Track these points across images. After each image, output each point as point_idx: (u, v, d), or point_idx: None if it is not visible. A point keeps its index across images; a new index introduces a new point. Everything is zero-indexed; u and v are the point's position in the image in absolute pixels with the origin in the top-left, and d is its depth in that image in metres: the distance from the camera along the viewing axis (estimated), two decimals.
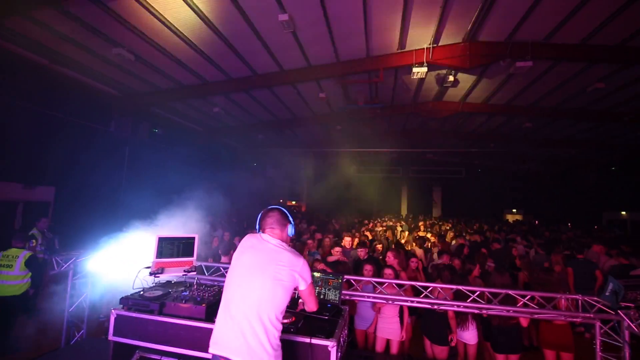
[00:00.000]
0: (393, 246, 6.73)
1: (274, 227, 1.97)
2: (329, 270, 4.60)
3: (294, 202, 21.73)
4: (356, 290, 3.41)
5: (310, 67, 8.23)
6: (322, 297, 2.49)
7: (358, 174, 20.71)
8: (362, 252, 5.15)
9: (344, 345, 2.19)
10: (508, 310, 3.04)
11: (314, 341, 1.92)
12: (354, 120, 11.77)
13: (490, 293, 3.21)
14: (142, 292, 2.41)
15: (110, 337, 2.30)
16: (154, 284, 2.65)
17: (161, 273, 2.68)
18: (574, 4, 5.60)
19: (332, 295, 2.47)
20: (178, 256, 2.84)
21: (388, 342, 3.89)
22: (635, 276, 3.07)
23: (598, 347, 3.02)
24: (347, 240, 5.33)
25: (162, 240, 2.80)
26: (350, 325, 4.24)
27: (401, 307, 3.87)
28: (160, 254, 2.77)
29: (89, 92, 8.65)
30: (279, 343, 1.74)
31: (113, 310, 2.34)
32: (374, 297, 3.26)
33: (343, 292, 3.31)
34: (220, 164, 13.19)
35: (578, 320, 3.04)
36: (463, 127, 13.81)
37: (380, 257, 5.79)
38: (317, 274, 2.61)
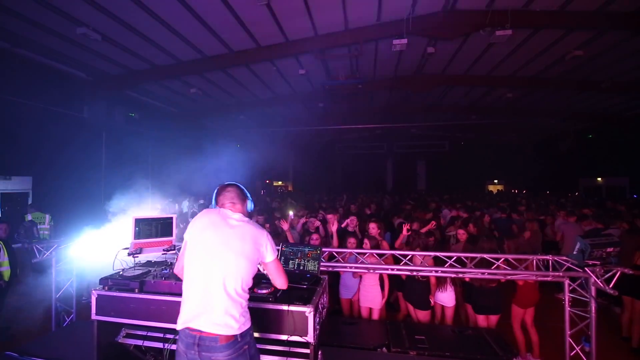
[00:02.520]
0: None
1: (234, 201, 1.95)
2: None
3: (280, 183, 21.73)
4: (338, 261, 3.51)
5: (287, 42, 7.96)
6: (301, 268, 2.56)
7: (343, 152, 20.75)
8: (352, 222, 5.22)
9: (322, 311, 2.28)
10: (483, 273, 3.19)
11: (292, 308, 1.99)
12: (337, 96, 11.61)
13: (467, 257, 3.35)
14: (121, 272, 2.43)
15: (93, 317, 2.35)
16: (134, 265, 2.66)
17: (139, 253, 2.69)
18: None
19: (311, 266, 2.54)
20: (157, 236, 2.84)
21: (370, 310, 4.05)
22: (605, 235, 3.23)
23: (567, 303, 3.20)
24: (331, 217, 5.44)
25: (138, 222, 2.78)
26: (337, 294, 4.42)
27: (381, 276, 4.00)
28: (137, 234, 2.76)
29: (57, 76, 8.24)
30: (247, 310, 1.81)
31: (94, 291, 2.37)
32: (356, 267, 3.36)
33: (327, 264, 3.41)
34: (202, 146, 12.92)
35: (548, 278, 3.21)
36: (445, 100, 13.87)
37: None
38: (296, 248, 2.67)
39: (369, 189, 18.65)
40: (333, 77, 9.70)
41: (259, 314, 2.03)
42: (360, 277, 4.04)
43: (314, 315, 1.97)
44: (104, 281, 2.37)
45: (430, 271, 3.34)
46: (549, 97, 12.62)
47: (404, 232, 4.19)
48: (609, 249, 2.89)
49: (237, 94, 11.68)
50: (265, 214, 6.76)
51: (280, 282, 1.93)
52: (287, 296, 2.10)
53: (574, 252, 2.98)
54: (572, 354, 3.19)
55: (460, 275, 3.33)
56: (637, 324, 4.11)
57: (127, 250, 2.73)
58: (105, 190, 9.36)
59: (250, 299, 2.01)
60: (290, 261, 2.60)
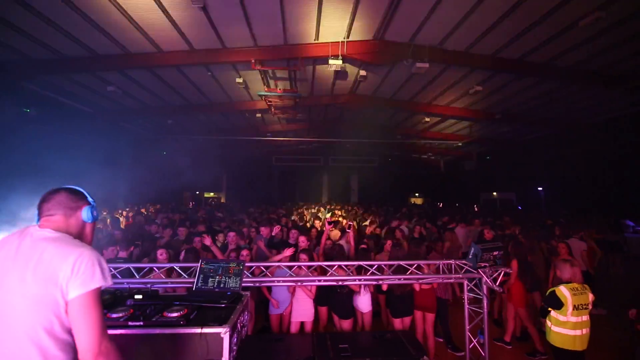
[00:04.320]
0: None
1: (52, 212, 1.36)
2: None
3: (212, 194, 20.55)
4: (266, 275, 3.44)
5: (225, 48, 7.76)
6: (222, 285, 2.43)
7: (280, 164, 20.73)
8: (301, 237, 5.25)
9: (242, 330, 2.19)
10: (399, 279, 3.48)
11: (205, 330, 1.85)
12: (274, 108, 11.63)
13: (386, 265, 3.62)
14: None
15: None
16: None
17: None
18: (461, 16, 6.53)
19: (232, 283, 2.43)
20: None
21: (302, 324, 4.04)
22: (492, 241, 3.83)
23: (466, 301, 3.69)
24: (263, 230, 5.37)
25: None
26: (266, 311, 4.30)
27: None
28: None
29: None
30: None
31: None
32: (284, 281, 3.34)
33: (253, 279, 3.31)
34: (121, 152, 11.51)
35: (451, 280, 3.66)
36: (375, 120, 15.06)
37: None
38: (217, 264, 2.53)
39: (305, 201, 18.87)
40: (271, 89, 9.71)
41: (167, 341, 1.84)
42: (294, 290, 4.02)
43: (231, 336, 1.87)
44: None
45: (354, 280, 3.51)
46: (456, 124, 14.73)
47: (327, 227, 4.37)
48: (495, 253, 3.43)
49: (166, 97, 10.81)
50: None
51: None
52: (201, 317, 1.96)
53: (469, 257, 3.45)
54: (470, 346, 3.65)
55: (381, 282, 3.57)
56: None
57: None
58: None
59: (158, 325, 1.82)
60: (210, 279, 2.44)
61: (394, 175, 22.51)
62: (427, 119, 13.57)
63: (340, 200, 19.73)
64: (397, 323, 4.04)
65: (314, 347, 3.26)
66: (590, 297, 3.12)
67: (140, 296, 2.10)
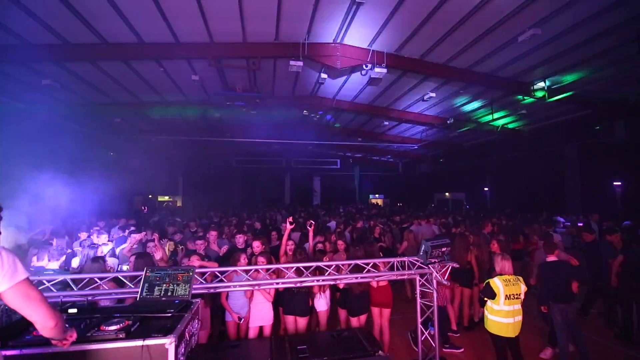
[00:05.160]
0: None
1: None
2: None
3: (167, 198, 19.35)
4: (222, 281, 3.31)
5: (178, 43, 7.38)
6: (169, 294, 2.28)
7: (241, 165, 20.21)
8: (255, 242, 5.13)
9: (191, 340, 2.08)
10: (357, 277, 3.56)
11: (148, 342, 1.72)
12: (234, 108, 11.30)
13: (343, 265, 3.68)
14: None
15: None
16: None
17: None
18: (415, 25, 6.89)
19: (181, 291, 2.30)
20: None
21: (261, 329, 3.96)
22: (441, 237, 4.05)
23: (418, 295, 3.88)
24: (212, 235, 5.16)
25: None
26: (223, 317, 4.14)
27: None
28: None
29: None
30: None
31: None
32: (240, 285, 3.24)
33: (207, 285, 3.17)
34: (60, 153, 10.36)
35: (405, 277, 3.83)
36: (336, 122, 15.31)
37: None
38: (164, 271, 2.38)
39: (267, 203, 18.59)
40: (231, 88, 9.43)
41: (106, 357, 1.68)
42: (251, 295, 3.92)
43: (177, 346, 1.76)
44: None
45: (313, 281, 3.52)
46: (412, 129, 15.53)
47: (288, 226, 4.36)
48: (443, 249, 3.65)
49: (112, 93, 9.98)
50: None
51: (39, 317, 1.37)
52: (145, 329, 1.82)
53: (420, 253, 3.63)
54: (422, 338, 3.85)
55: (338, 281, 3.63)
56: (466, 307, 5.27)
57: None
58: None
59: (95, 341, 1.67)
60: (156, 287, 2.28)
61: (355, 177, 23.11)
62: (386, 123, 14.11)
63: (302, 202, 19.76)
64: (354, 321, 4.14)
65: (272, 351, 3.21)
66: (523, 287, 3.44)
67: (74, 310, 1.90)
